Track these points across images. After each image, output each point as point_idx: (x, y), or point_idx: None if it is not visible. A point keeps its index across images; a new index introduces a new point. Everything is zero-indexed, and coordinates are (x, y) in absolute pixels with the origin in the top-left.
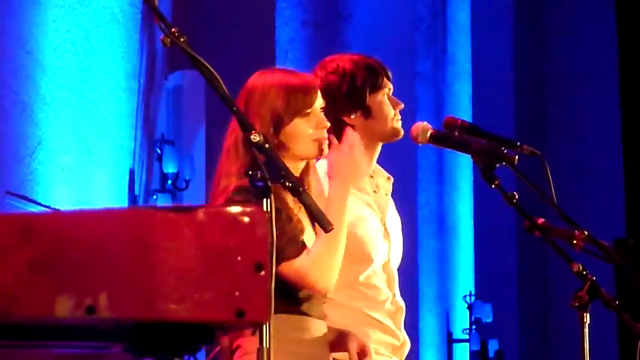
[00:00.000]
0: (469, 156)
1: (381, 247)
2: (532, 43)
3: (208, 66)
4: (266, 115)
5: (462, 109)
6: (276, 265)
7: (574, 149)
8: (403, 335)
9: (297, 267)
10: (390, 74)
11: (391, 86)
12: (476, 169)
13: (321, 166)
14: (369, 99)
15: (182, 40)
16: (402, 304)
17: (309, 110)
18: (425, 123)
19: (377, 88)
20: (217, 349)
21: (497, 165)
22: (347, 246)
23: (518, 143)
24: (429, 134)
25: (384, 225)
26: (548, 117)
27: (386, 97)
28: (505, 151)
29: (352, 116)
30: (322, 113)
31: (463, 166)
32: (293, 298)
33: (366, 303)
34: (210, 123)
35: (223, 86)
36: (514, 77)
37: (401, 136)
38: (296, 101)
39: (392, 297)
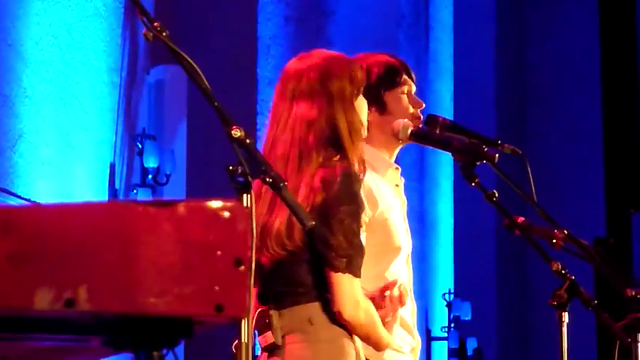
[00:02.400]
0: (450, 154)
1: (405, 240)
2: (514, 41)
3: (190, 61)
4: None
5: (444, 107)
6: (334, 268)
7: (555, 148)
8: (417, 334)
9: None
10: (412, 74)
11: (413, 85)
12: (456, 167)
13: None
14: (385, 95)
15: (164, 34)
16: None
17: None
18: (406, 120)
19: (394, 85)
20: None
21: (478, 163)
22: (380, 234)
23: (499, 142)
24: (409, 132)
25: (405, 220)
26: (530, 115)
27: (405, 95)
28: (486, 150)
29: (368, 112)
30: None
31: (444, 164)
32: None
33: None
34: (191, 118)
35: (205, 81)
36: (495, 75)
37: None
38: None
39: (411, 293)
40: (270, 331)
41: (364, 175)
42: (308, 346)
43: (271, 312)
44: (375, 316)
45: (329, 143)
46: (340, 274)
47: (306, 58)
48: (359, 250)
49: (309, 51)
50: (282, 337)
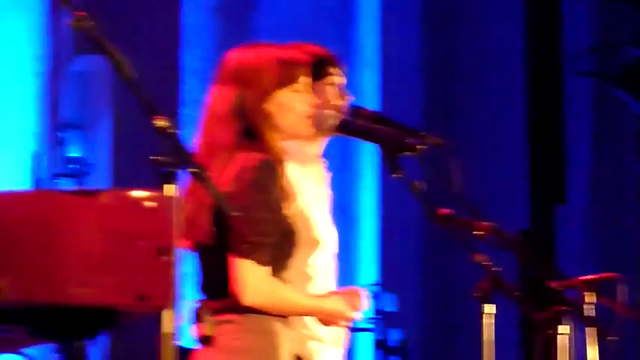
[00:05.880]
0: (375, 145)
1: (328, 234)
2: (440, 32)
3: (115, 50)
4: (258, 87)
5: (370, 98)
6: (237, 254)
7: (480, 140)
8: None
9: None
10: (340, 65)
11: (340, 77)
12: (381, 159)
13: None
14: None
15: (89, 24)
16: None
17: (298, 85)
18: (330, 112)
19: (321, 76)
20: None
21: (402, 154)
22: (301, 228)
23: (424, 133)
24: (334, 123)
25: (329, 213)
26: (456, 107)
27: (331, 86)
28: (410, 141)
29: None
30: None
31: (369, 156)
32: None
33: (315, 288)
34: (116, 108)
35: (130, 71)
36: (421, 67)
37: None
38: (285, 74)
39: (335, 287)
40: (202, 322)
41: (283, 165)
42: (239, 337)
43: (203, 303)
44: (289, 297)
45: (249, 133)
46: (243, 259)
47: (237, 50)
48: (267, 238)
49: (247, 43)
50: (214, 328)
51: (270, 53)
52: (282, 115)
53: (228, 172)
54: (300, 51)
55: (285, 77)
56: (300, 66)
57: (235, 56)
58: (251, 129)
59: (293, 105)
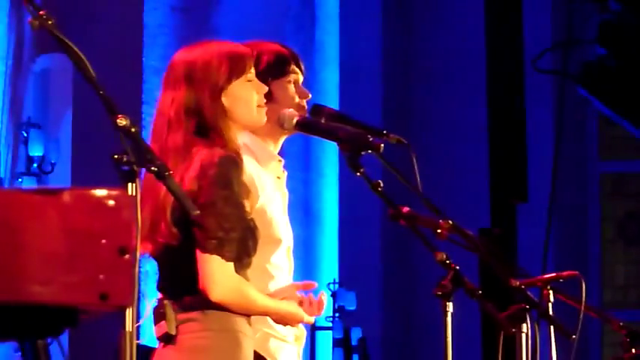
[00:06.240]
0: (335, 143)
1: (286, 233)
2: (400, 31)
3: (76, 49)
4: (212, 83)
5: (330, 97)
6: (203, 249)
7: (441, 139)
8: (301, 325)
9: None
10: (301, 64)
11: (301, 75)
12: (342, 157)
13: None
14: (272, 84)
15: (50, 22)
16: None
17: (250, 74)
18: (291, 110)
19: (282, 74)
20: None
21: (363, 153)
22: (260, 226)
23: (385, 132)
24: (295, 121)
25: (285, 212)
26: (416, 106)
27: (292, 84)
28: (371, 139)
29: None
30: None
31: (329, 154)
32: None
33: (276, 286)
34: (77, 107)
35: (91, 69)
36: (382, 66)
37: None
38: (236, 65)
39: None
40: (164, 321)
41: (243, 161)
42: (201, 336)
43: (165, 302)
44: (250, 295)
45: (207, 131)
46: (208, 255)
47: (189, 48)
48: (233, 234)
49: (198, 41)
50: (177, 326)
51: (216, 49)
52: (239, 106)
53: (189, 169)
54: (258, 48)
55: (236, 69)
56: (246, 57)
57: (182, 58)
58: (206, 126)
59: (248, 95)
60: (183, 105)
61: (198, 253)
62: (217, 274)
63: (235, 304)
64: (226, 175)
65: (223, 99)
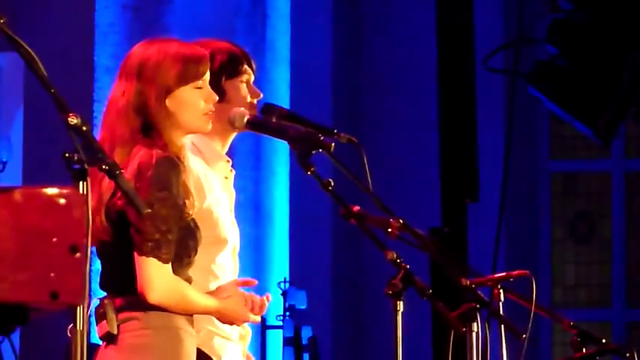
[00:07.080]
0: (286, 142)
1: (232, 233)
2: (351, 30)
3: (27, 48)
4: (160, 84)
5: (280, 96)
6: (140, 251)
7: (391, 138)
8: (246, 324)
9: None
10: (252, 63)
11: (252, 74)
12: (293, 156)
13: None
14: (225, 83)
15: (1, 21)
16: None
17: (200, 82)
18: (242, 109)
19: (235, 74)
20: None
21: (314, 152)
22: (207, 226)
23: (335, 131)
24: (245, 120)
25: (232, 213)
26: (366, 105)
27: (244, 84)
28: (322, 138)
29: None
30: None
31: (280, 153)
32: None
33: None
34: (28, 105)
35: (42, 68)
36: (332, 65)
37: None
38: (188, 70)
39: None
40: (105, 320)
41: (183, 162)
42: (141, 334)
43: (106, 301)
44: (189, 295)
45: (150, 131)
46: (145, 257)
47: (149, 43)
48: (170, 235)
49: (151, 38)
50: (118, 325)
51: (172, 49)
52: (183, 112)
53: (127, 169)
54: (211, 47)
55: (187, 74)
56: (202, 63)
57: (139, 51)
58: (149, 125)
59: (195, 102)
60: (131, 100)
61: (136, 255)
62: (154, 276)
63: (174, 306)
64: (164, 176)
65: (168, 102)
